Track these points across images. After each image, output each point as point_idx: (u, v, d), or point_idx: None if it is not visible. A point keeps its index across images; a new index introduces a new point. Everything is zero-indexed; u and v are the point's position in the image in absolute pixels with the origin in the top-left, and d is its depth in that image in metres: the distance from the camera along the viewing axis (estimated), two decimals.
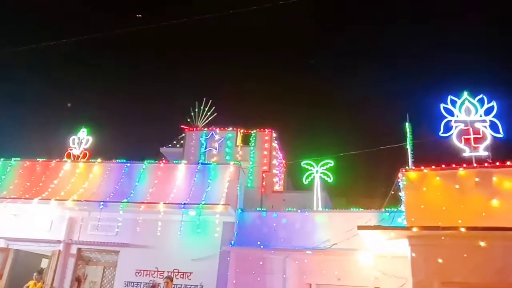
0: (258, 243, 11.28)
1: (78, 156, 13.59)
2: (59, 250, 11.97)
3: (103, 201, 11.79)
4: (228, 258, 11.20)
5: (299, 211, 11.77)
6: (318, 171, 13.27)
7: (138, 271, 11.53)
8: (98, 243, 12.03)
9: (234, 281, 11.19)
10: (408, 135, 11.14)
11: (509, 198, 8.97)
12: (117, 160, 12.95)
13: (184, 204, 11.32)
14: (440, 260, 8.72)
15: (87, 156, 13.60)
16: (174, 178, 12.25)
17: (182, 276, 11.23)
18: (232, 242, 11.35)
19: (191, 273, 11.22)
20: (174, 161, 13.11)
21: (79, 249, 12.19)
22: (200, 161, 13.28)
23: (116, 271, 11.76)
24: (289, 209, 11.98)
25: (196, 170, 12.25)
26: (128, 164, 12.78)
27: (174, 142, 16.31)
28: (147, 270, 11.48)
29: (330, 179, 13.17)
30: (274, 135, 15.89)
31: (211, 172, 12.17)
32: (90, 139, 13.93)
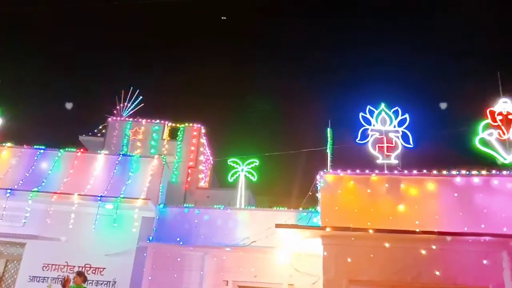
0: (178, 239, 11.16)
1: None
2: None
3: (10, 189, 10.89)
4: (145, 254, 10.91)
5: (221, 208, 11.83)
6: (244, 170, 13.40)
7: (46, 265, 10.81)
8: (2, 234, 11.07)
9: (150, 278, 10.93)
10: (329, 140, 11.67)
11: (413, 204, 9.78)
12: (31, 146, 12.04)
13: (101, 196, 10.83)
14: (349, 259, 9.24)
15: None
16: (92, 169, 11.65)
17: (94, 271, 10.74)
18: (151, 237, 11.10)
19: (104, 268, 10.76)
20: (98, 151, 12.49)
21: None
22: (121, 153, 12.78)
23: (21, 265, 10.91)
24: (218, 206, 11.97)
25: (117, 162, 11.76)
26: (42, 151, 11.93)
27: (95, 131, 15.52)
28: (56, 265, 10.81)
29: (255, 177, 13.37)
30: (203, 131, 15.76)
31: (133, 165, 11.77)
32: (1, 121, 12.77)
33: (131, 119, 15.41)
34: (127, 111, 15.90)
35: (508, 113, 10.63)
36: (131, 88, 16.18)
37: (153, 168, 11.74)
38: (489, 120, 10.60)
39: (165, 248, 11.15)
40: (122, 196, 10.95)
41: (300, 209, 11.53)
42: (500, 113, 10.64)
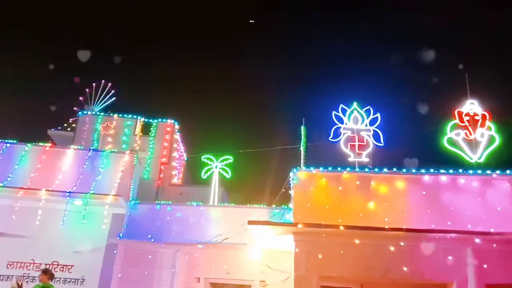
0: (149, 236, 11.02)
1: None
2: None
3: None
4: (115, 251, 10.74)
5: (194, 205, 11.75)
6: (218, 166, 13.34)
7: (11, 263, 10.50)
8: None
9: (120, 275, 10.76)
10: (303, 137, 11.76)
11: (383, 201, 9.98)
12: None
13: (70, 192, 10.60)
14: (320, 256, 9.34)
15: None
16: (61, 164, 11.37)
17: (62, 269, 10.50)
18: (121, 234, 10.92)
19: (72, 266, 10.55)
20: (68, 146, 12.18)
21: None
22: (92, 148, 12.49)
23: None
24: (191, 203, 11.86)
25: (87, 157, 11.53)
26: (8, 145, 11.54)
27: (65, 125, 15.09)
28: (21, 262, 10.51)
29: (229, 174, 13.33)
30: (177, 127, 15.58)
31: (103, 160, 11.55)
32: None
33: (102, 114, 15.08)
34: (99, 105, 15.54)
35: (475, 114, 10.96)
36: (103, 81, 15.84)
37: (124, 164, 11.56)
38: (456, 121, 10.91)
39: (136, 245, 11.00)
40: (91, 192, 10.76)
41: (273, 206, 11.60)
42: (467, 114, 10.96)
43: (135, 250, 11.06)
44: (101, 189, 10.94)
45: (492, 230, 9.17)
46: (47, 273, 8.73)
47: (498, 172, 10.17)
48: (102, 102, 15.63)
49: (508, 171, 10.17)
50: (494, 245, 9.09)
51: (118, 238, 10.83)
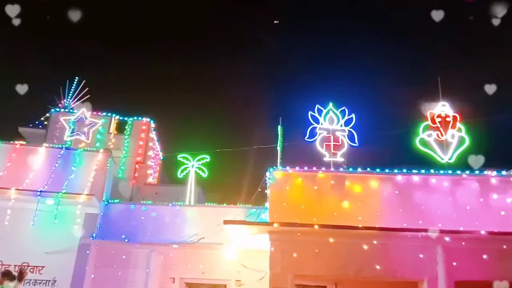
0: (123, 236, 10.87)
1: None
2: None
3: None
4: (88, 252, 10.56)
5: (169, 204, 11.65)
6: (194, 166, 13.25)
7: None
8: None
9: (93, 276, 10.56)
10: (280, 137, 11.82)
11: (357, 200, 10.13)
12: None
13: (41, 191, 10.33)
14: (295, 255, 9.41)
15: None
16: (32, 162, 11.08)
17: (32, 270, 10.22)
18: (94, 234, 10.74)
19: (43, 267, 10.31)
20: (43, 145, 11.85)
21: None
22: (64, 146, 12.22)
23: None
24: (166, 202, 11.75)
25: (59, 155, 11.27)
26: None
27: (37, 122, 14.70)
28: None
29: (205, 174, 13.26)
30: (153, 125, 15.41)
31: (76, 159, 11.32)
32: None
33: (76, 111, 14.71)
34: (71, 102, 15.20)
35: (446, 116, 11.24)
36: (77, 78, 15.52)
37: (98, 163, 11.37)
38: (429, 122, 11.18)
39: (110, 245, 10.84)
40: (63, 191, 10.54)
41: (250, 205, 11.61)
42: (439, 116, 11.24)
43: (109, 250, 10.88)
44: (74, 188, 10.73)
45: (461, 229, 9.44)
46: (7, 275, 8.29)
47: (467, 172, 10.48)
48: (76, 100, 15.32)
49: (477, 171, 10.50)
50: (463, 243, 9.35)
51: (91, 238, 10.65)
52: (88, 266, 10.47)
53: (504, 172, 10.40)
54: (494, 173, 10.37)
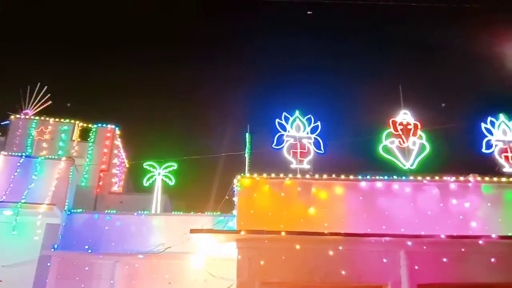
0: (86, 247, 10.57)
1: None
2: None
3: None
4: (49, 264, 10.19)
5: (135, 213, 11.44)
6: (160, 173, 13.09)
7: None
8: None
9: None
10: (247, 144, 11.86)
11: (322, 207, 10.28)
12: None
13: None
14: (262, 262, 9.42)
15: None
16: None
17: None
18: (56, 246, 10.39)
19: (1, 281, 9.86)
20: (2, 152, 11.38)
21: None
22: (24, 154, 11.77)
23: None
24: (132, 211, 11.50)
25: (19, 164, 10.87)
26: None
27: None
28: None
29: (172, 181, 13.11)
30: (118, 132, 15.09)
31: (37, 167, 10.94)
32: None
33: (37, 118, 14.26)
34: (33, 109, 14.69)
35: (408, 123, 11.63)
36: (39, 84, 15.02)
37: (60, 171, 11.04)
38: (391, 129, 11.52)
39: (72, 256, 10.52)
40: (23, 201, 10.17)
41: (218, 213, 11.56)
42: (401, 123, 11.61)
43: (71, 262, 10.56)
44: (34, 198, 10.36)
45: (423, 233, 9.74)
46: None
47: (428, 178, 10.85)
48: (36, 106, 14.82)
49: (437, 177, 10.89)
50: (425, 247, 9.64)
51: (52, 250, 10.29)
52: (49, 279, 10.09)
53: (461, 178, 10.85)
54: (453, 178, 10.79)
